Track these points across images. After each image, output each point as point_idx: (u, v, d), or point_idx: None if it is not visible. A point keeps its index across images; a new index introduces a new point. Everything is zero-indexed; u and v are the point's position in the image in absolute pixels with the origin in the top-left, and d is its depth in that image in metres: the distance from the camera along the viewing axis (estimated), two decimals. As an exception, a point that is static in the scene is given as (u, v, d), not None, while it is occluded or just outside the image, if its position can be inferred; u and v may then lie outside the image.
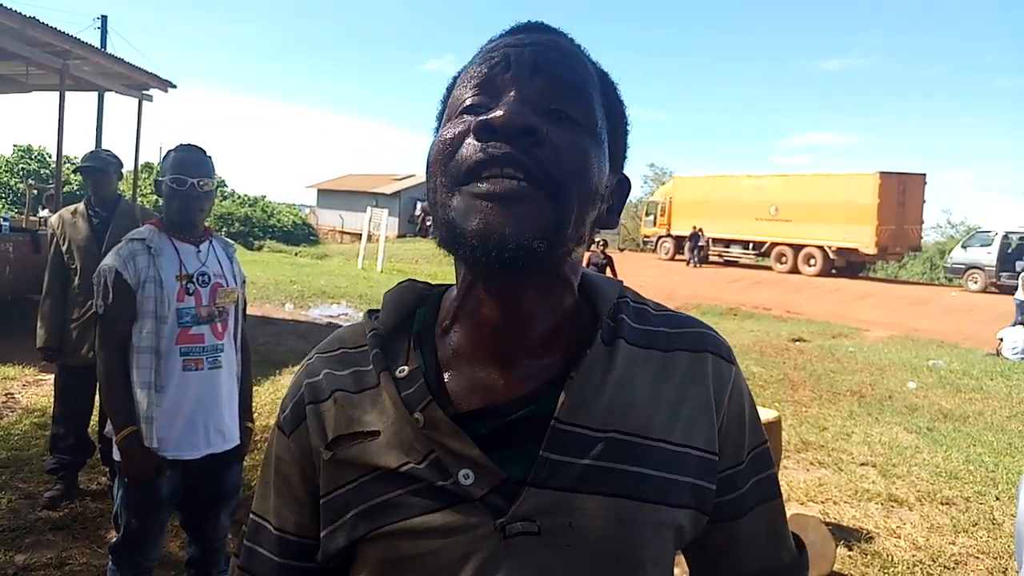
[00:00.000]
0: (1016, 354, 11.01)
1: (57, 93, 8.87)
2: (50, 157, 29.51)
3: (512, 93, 0.66)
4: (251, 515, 0.82)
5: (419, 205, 33.94)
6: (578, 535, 0.66)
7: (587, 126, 0.68)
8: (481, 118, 0.64)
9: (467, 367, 0.72)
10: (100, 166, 3.92)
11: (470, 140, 0.65)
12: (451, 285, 0.78)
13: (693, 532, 0.72)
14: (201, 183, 2.34)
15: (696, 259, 25.54)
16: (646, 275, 21.66)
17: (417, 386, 0.70)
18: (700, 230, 25.90)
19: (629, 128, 0.77)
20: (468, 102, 0.68)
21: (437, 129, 0.74)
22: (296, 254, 27.67)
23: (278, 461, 0.79)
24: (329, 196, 41.87)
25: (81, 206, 3.93)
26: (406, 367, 0.73)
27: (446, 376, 0.72)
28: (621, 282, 0.80)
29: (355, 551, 0.71)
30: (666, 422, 0.71)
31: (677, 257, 27.86)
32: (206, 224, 2.48)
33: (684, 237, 27.12)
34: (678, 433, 0.71)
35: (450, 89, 0.74)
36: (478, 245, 0.63)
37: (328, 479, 0.73)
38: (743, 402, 0.78)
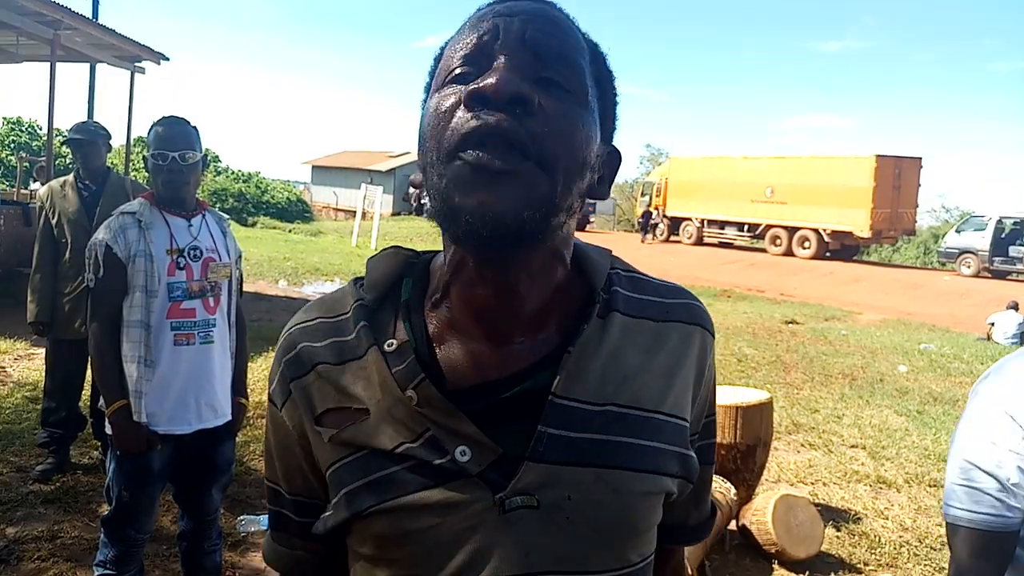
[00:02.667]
0: (1007, 339, 11.08)
1: (48, 64, 8.75)
2: (41, 129, 29.21)
3: (502, 61, 0.65)
4: (265, 481, 0.84)
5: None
6: (576, 507, 0.67)
7: (578, 94, 0.67)
8: (472, 86, 0.63)
9: (459, 343, 0.71)
10: (89, 138, 3.87)
11: (461, 111, 0.64)
12: (438, 252, 0.77)
13: (679, 496, 0.76)
14: (184, 156, 2.30)
15: (649, 236, 28.11)
16: (640, 255, 21.67)
17: (408, 362, 0.70)
18: (655, 208, 28.43)
19: (618, 100, 0.76)
20: (457, 72, 0.67)
21: (425, 101, 0.73)
22: (290, 231, 27.57)
23: (275, 431, 0.80)
24: (324, 173, 41.65)
25: (71, 178, 3.89)
26: (395, 340, 0.72)
27: (438, 351, 0.71)
28: (610, 251, 0.80)
29: (352, 527, 0.71)
30: (659, 393, 0.73)
31: (672, 238, 27.93)
32: (199, 198, 2.45)
33: (681, 219, 27.50)
34: (669, 404, 0.73)
35: (437, 60, 0.73)
36: (473, 221, 0.62)
37: (323, 455, 0.73)
38: (713, 376, 0.82)
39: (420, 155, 0.69)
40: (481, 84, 0.63)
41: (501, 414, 0.68)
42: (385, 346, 0.71)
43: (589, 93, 0.69)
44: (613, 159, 0.76)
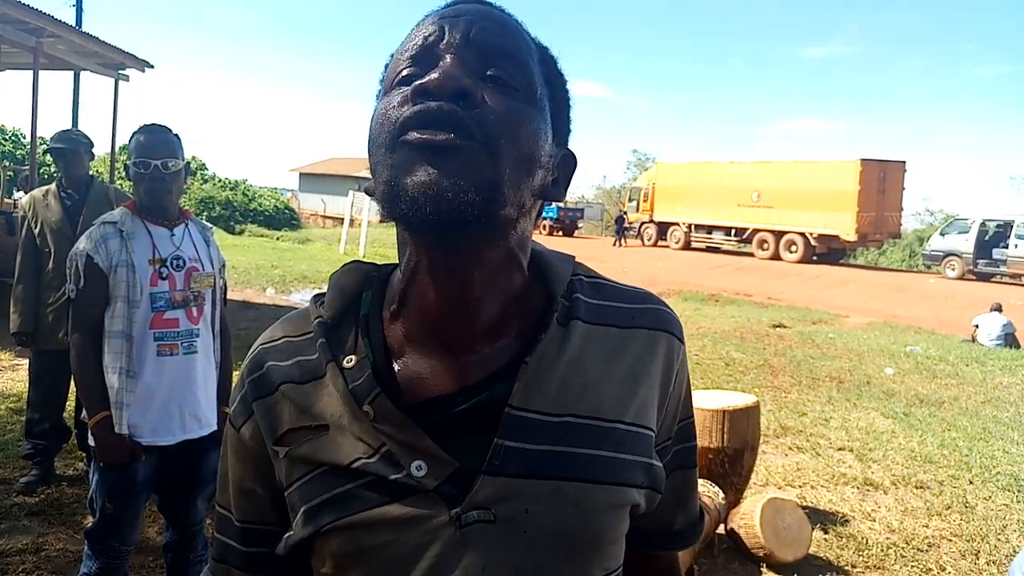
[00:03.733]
0: (991, 340, 11.17)
1: (31, 72, 8.70)
2: (24, 138, 28.99)
3: (447, 59, 0.65)
4: (216, 506, 0.82)
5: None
6: (534, 521, 0.66)
7: (525, 91, 0.67)
8: (416, 83, 0.63)
9: (417, 355, 0.70)
10: (71, 147, 3.84)
11: (406, 106, 0.64)
12: (397, 265, 0.76)
13: (647, 508, 0.74)
14: (167, 164, 2.29)
15: (621, 239, 29.46)
16: (627, 261, 21.73)
17: (365, 377, 0.69)
18: (625, 213, 30.34)
19: (571, 103, 0.75)
20: (404, 73, 0.67)
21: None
22: (278, 238, 27.47)
23: (232, 454, 0.78)
24: (311, 180, 41.58)
25: (53, 187, 3.86)
26: (353, 356, 0.71)
27: (396, 365, 0.71)
28: (573, 257, 0.79)
29: (312, 544, 0.71)
30: (621, 402, 0.71)
31: (660, 243, 28.06)
32: (183, 207, 2.43)
33: (668, 224, 27.70)
34: (632, 413, 0.72)
35: (387, 67, 0.72)
36: (416, 197, 0.61)
37: (284, 474, 0.72)
38: (685, 380, 0.80)
39: (370, 157, 0.68)
40: (425, 79, 0.63)
41: (458, 427, 0.67)
42: (344, 362, 0.71)
43: (538, 92, 0.68)
44: (568, 162, 0.75)
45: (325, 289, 0.79)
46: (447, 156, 0.61)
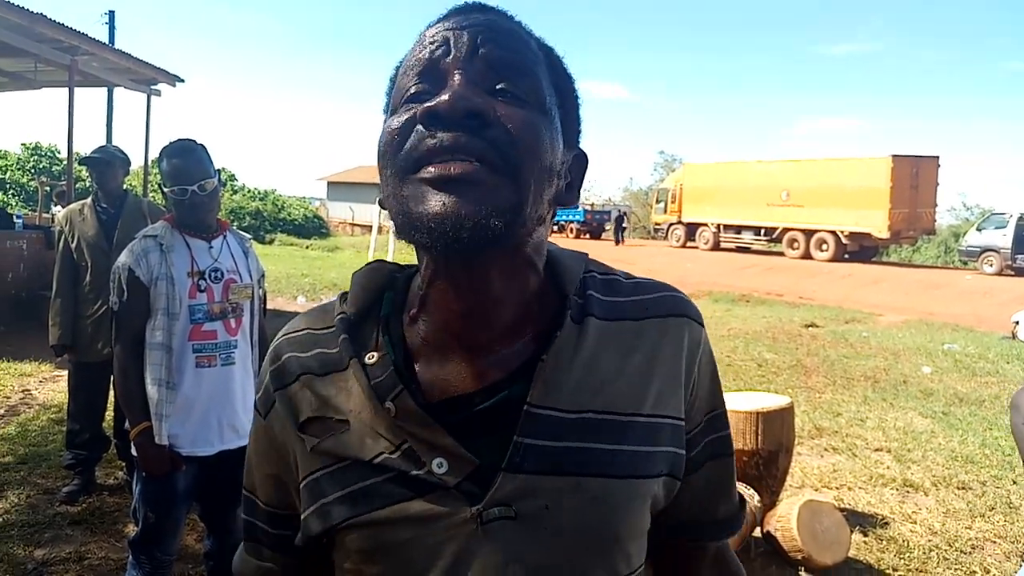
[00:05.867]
0: (1032, 337, 10.91)
1: (66, 89, 8.91)
2: (60, 154, 29.68)
3: (456, 77, 0.65)
4: (242, 489, 0.84)
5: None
6: (555, 517, 0.66)
7: (534, 103, 0.67)
8: (426, 105, 0.63)
9: (437, 355, 0.71)
10: (106, 158, 3.91)
11: (418, 128, 0.64)
12: (419, 267, 0.77)
13: (666, 498, 0.74)
14: (202, 185, 2.31)
15: (620, 238, 30.82)
16: (656, 262, 21.61)
17: (387, 374, 0.70)
18: (624, 213, 32.51)
19: (580, 102, 0.75)
20: (412, 90, 0.67)
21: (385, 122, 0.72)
22: (307, 247, 27.82)
23: (257, 440, 0.80)
24: (339, 188, 42.01)
25: (89, 201, 3.94)
26: (375, 353, 0.72)
27: (416, 364, 0.72)
28: (586, 254, 0.79)
29: (333, 538, 0.72)
30: (637, 395, 0.71)
31: (688, 244, 27.87)
32: (221, 219, 2.46)
33: (697, 224, 27.55)
34: (650, 404, 0.72)
35: (393, 80, 0.72)
36: (434, 228, 0.61)
37: (304, 463, 0.73)
38: (711, 366, 0.79)
39: (381, 177, 0.68)
40: (434, 102, 0.62)
41: (478, 425, 0.67)
42: (365, 359, 0.72)
43: (547, 101, 0.68)
44: (580, 162, 0.76)
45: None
46: (464, 187, 0.61)
